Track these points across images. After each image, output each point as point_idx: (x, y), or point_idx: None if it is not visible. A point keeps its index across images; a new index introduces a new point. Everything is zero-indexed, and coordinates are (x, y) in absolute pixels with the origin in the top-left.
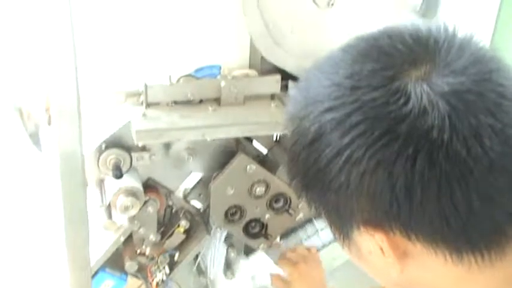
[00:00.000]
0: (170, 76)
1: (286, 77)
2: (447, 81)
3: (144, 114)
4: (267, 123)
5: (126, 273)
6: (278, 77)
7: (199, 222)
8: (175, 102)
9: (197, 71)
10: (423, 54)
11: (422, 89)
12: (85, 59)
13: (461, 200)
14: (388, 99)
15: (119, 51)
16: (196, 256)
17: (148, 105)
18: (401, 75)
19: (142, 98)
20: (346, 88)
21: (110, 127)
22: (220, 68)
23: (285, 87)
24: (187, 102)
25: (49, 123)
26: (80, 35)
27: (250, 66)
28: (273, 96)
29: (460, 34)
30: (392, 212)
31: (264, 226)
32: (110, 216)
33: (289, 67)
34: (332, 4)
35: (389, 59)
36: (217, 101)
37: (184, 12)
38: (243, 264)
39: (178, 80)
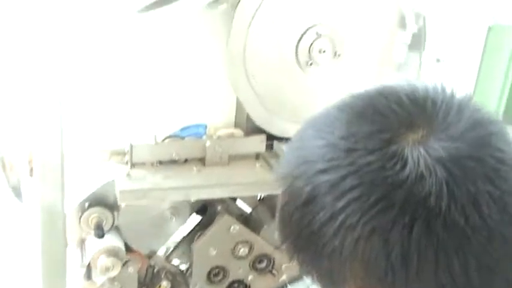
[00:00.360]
0: (155, 136)
1: (271, 136)
2: (445, 146)
3: (128, 174)
4: (252, 184)
5: None
6: (263, 137)
7: (181, 283)
8: (160, 162)
9: (183, 129)
10: (420, 116)
11: (420, 153)
12: (71, 115)
13: (459, 270)
14: (385, 164)
15: (105, 109)
16: None
17: (133, 165)
18: (398, 139)
19: (127, 157)
20: (341, 150)
21: (94, 185)
22: (206, 126)
23: (270, 147)
24: (172, 162)
25: (31, 175)
26: (66, 91)
27: (236, 125)
28: (257, 156)
29: (458, 95)
30: (387, 280)
31: (247, 287)
32: (89, 276)
33: (274, 128)
34: (310, 64)
35: (385, 121)
36: (202, 160)
37: (171, 72)
38: None
39: (163, 140)
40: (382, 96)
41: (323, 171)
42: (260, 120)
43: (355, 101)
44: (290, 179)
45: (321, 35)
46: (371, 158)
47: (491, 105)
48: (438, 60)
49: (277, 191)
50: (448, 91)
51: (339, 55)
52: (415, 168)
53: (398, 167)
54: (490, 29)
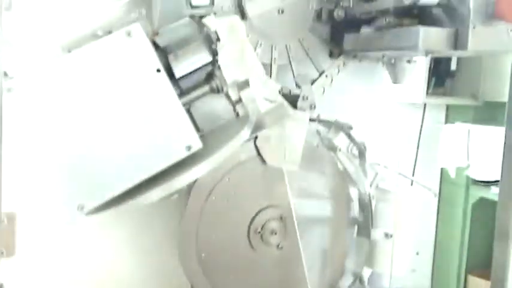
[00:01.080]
0: None
1: None
2: None
3: None
4: None
5: None
6: None
7: None
8: None
9: None
10: None
11: None
12: None
13: None
14: None
15: None
16: None
17: None
18: None
19: None
20: None
21: None
22: None
23: None
24: None
25: None
26: None
27: None
28: None
29: None
30: None
31: None
32: None
33: None
34: (261, 236)
35: None
36: None
37: (125, 253)
38: None
39: None
40: None
41: None
42: None
43: None
44: None
45: (281, 218)
46: None
47: (453, 265)
48: (387, 235)
49: None
50: None
51: (281, 247)
52: None
53: None
54: (438, 194)
